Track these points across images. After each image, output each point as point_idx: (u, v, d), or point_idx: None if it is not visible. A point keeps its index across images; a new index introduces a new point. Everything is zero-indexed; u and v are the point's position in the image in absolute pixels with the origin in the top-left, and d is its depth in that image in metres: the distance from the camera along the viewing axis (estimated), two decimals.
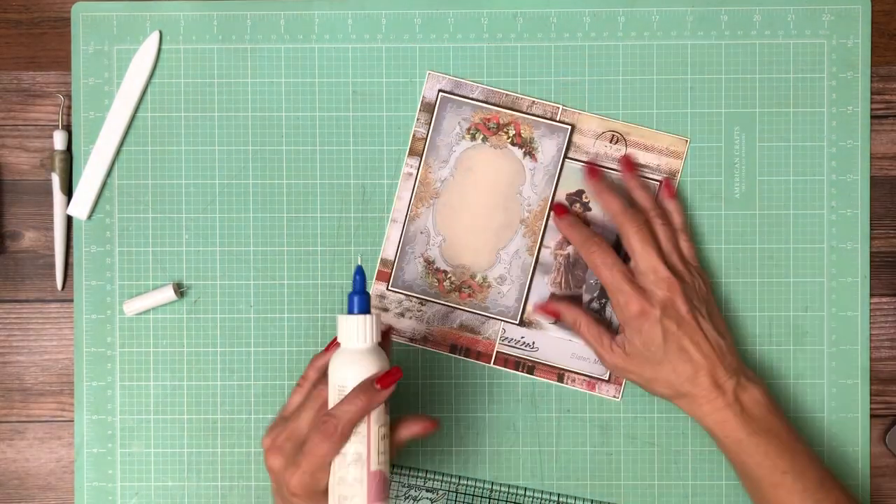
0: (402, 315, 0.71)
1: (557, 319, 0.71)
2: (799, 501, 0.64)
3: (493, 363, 0.71)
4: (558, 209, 0.70)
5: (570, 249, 0.71)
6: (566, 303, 0.70)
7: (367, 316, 0.59)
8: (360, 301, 0.60)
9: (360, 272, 0.60)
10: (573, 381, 0.71)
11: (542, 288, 0.71)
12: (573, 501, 0.71)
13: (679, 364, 0.65)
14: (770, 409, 0.66)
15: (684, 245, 0.69)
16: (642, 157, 0.71)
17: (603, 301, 0.71)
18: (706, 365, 0.65)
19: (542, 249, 0.71)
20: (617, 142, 0.70)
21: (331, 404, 0.58)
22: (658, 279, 0.65)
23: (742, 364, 0.67)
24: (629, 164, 0.70)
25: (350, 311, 0.60)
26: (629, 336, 0.66)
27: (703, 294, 0.67)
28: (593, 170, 0.70)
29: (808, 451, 0.66)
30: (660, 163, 0.71)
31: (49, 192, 0.72)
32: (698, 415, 0.66)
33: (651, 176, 0.71)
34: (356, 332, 0.59)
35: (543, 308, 0.71)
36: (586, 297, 0.71)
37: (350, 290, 0.64)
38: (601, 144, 0.70)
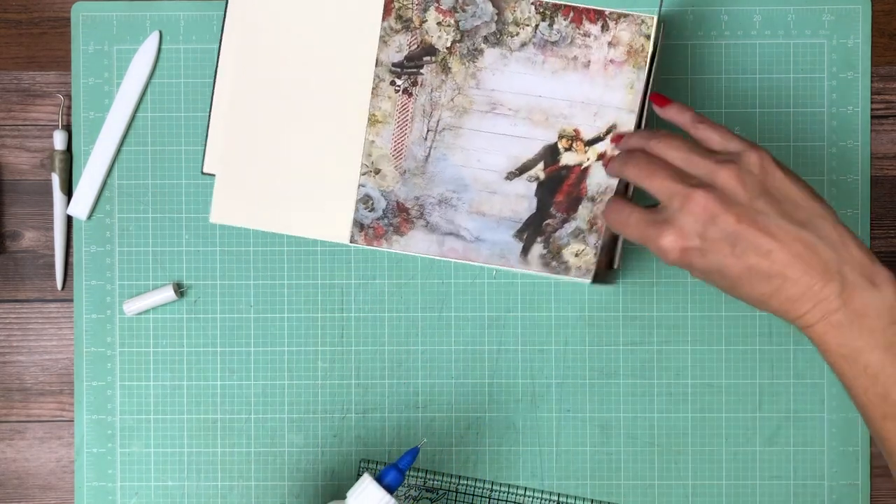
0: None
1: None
2: None
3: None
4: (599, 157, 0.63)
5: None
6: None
7: (391, 499, 0.60)
8: (395, 478, 0.61)
9: (413, 454, 0.61)
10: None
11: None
12: (573, 501, 0.71)
13: (755, 284, 0.53)
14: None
15: (705, 134, 0.57)
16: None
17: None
18: (789, 275, 0.52)
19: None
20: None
21: None
22: (682, 202, 0.53)
23: (852, 249, 0.53)
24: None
25: (380, 479, 0.60)
26: (691, 270, 0.56)
27: (757, 179, 0.53)
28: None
29: None
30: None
31: (49, 192, 0.72)
32: (802, 327, 0.54)
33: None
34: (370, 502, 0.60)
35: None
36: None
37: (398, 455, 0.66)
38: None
